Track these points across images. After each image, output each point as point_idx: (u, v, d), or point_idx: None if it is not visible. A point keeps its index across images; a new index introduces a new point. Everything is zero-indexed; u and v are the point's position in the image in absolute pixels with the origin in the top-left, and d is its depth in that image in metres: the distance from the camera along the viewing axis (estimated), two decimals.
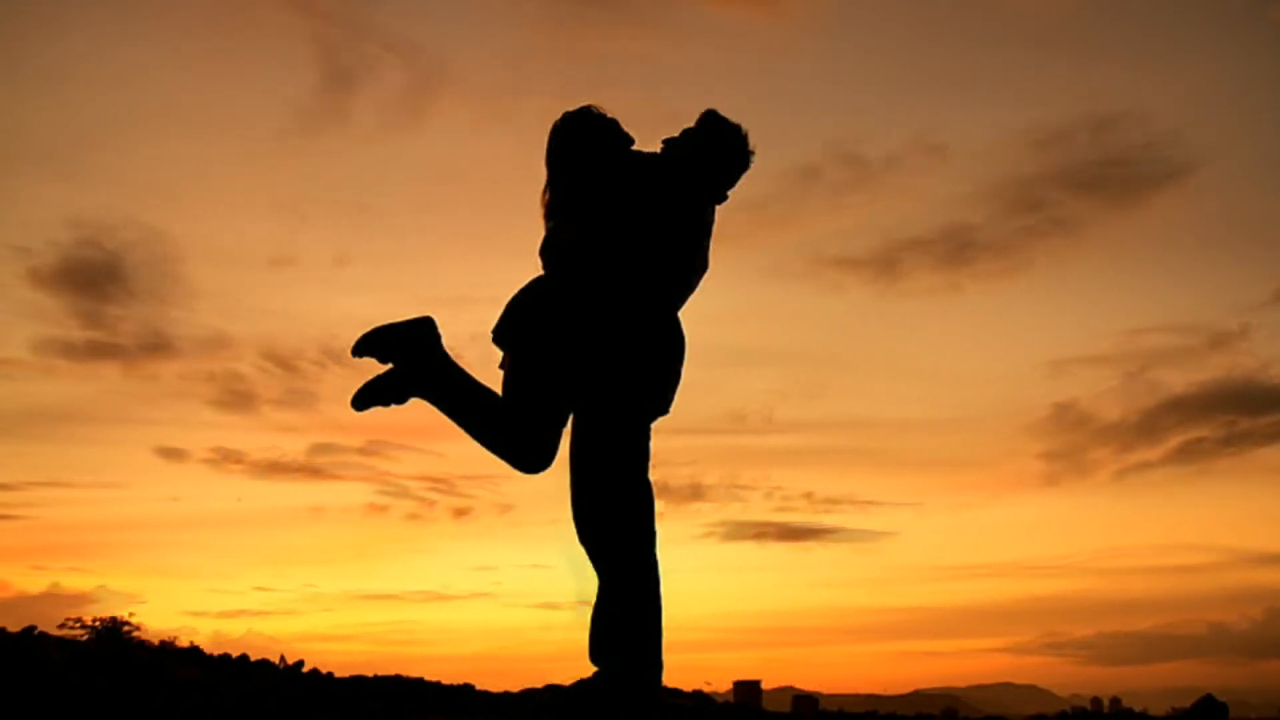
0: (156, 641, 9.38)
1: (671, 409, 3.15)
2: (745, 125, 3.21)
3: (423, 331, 3.00)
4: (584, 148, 3.15)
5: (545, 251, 3.14)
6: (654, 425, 3.10)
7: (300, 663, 9.59)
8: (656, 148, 3.21)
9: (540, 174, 3.25)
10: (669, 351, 3.10)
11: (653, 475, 3.05)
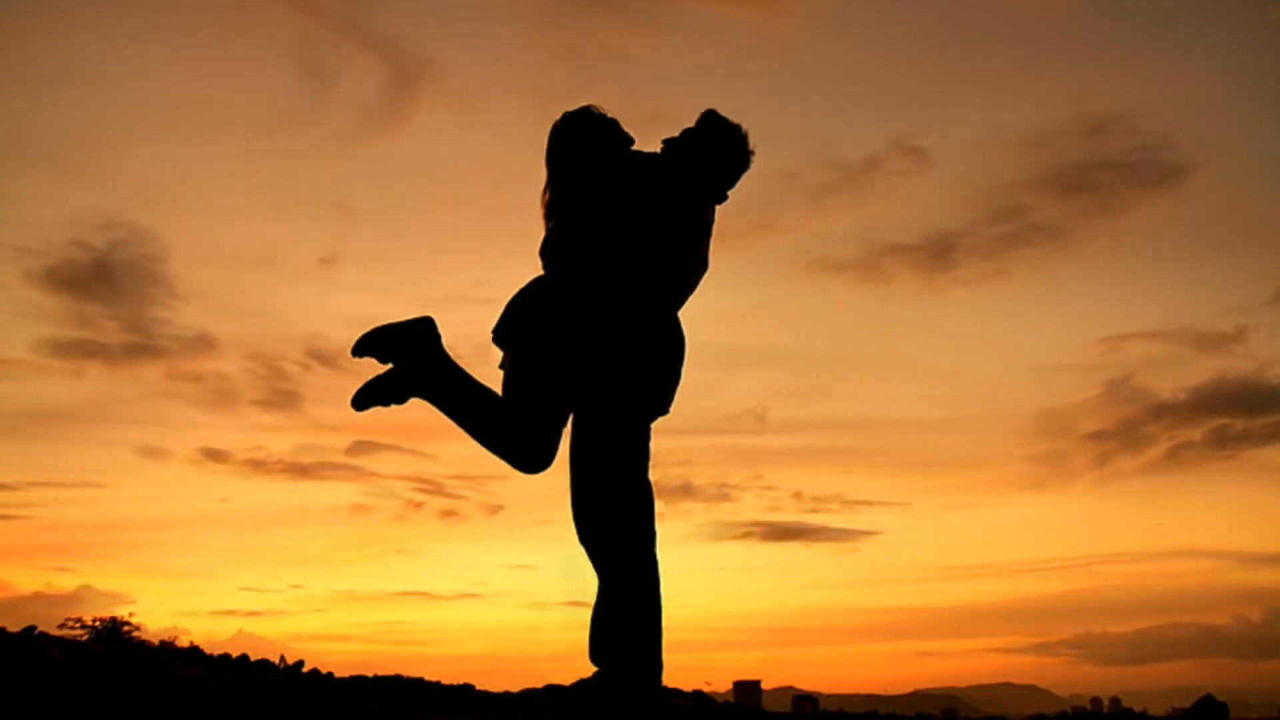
0: (156, 641, 9.38)
1: (671, 409, 3.15)
2: (744, 126, 3.21)
3: (422, 331, 3.00)
4: (584, 148, 3.16)
5: (545, 251, 3.14)
6: (656, 425, 3.11)
7: (300, 663, 9.58)
8: (656, 148, 3.21)
9: (539, 174, 3.25)
10: (669, 351, 3.10)
11: (657, 475, 3.06)
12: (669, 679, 3.01)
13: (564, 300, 3.03)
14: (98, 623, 9.81)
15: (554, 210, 3.18)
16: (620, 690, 2.91)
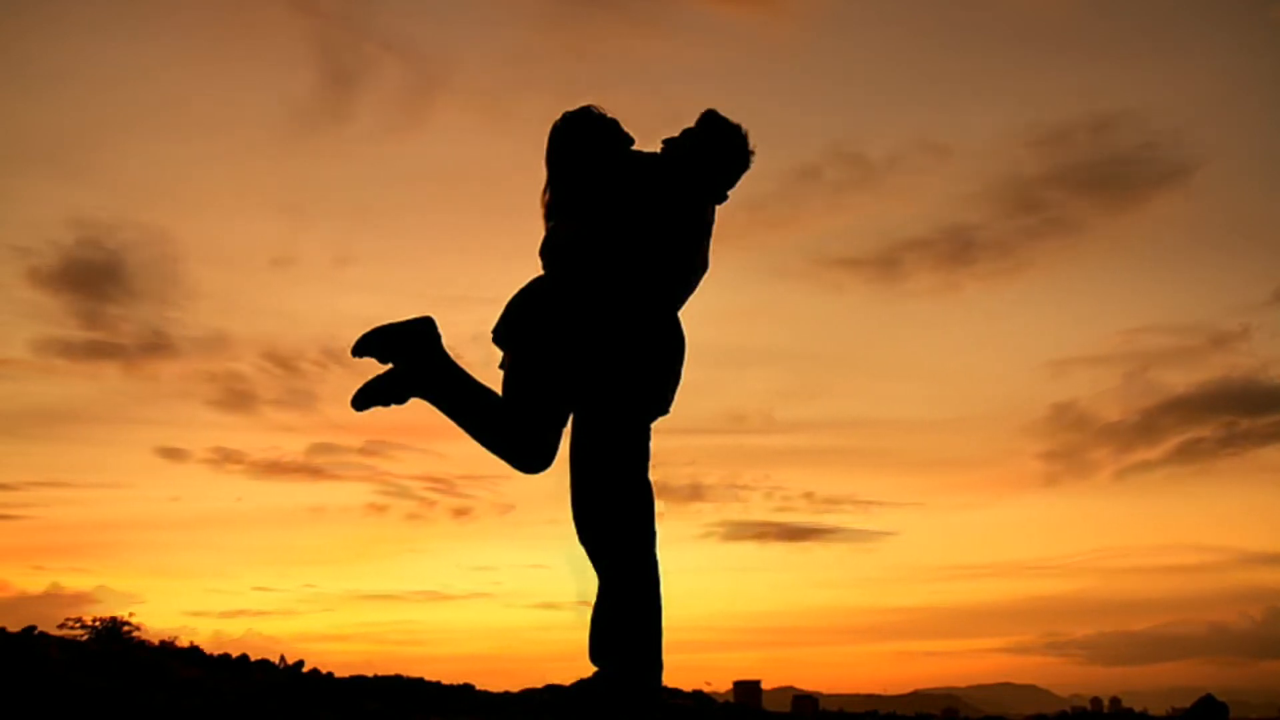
0: (156, 641, 9.37)
1: (671, 409, 3.15)
2: (746, 125, 3.22)
3: (422, 331, 3.00)
4: (584, 148, 3.16)
5: (545, 251, 3.14)
6: (654, 425, 3.11)
7: (300, 663, 9.57)
8: (656, 148, 3.21)
9: (540, 174, 3.25)
10: (669, 351, 3.10)
11: (653, 475, 3.06)
12: (669, 679, 3.02)
13: (564, 300, 3.03)
14: (98, 623, 9.80)
15: (554, 210, 3.18)
16: (620, 690, 2.91)
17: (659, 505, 3.05)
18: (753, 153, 3.21)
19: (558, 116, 3.22)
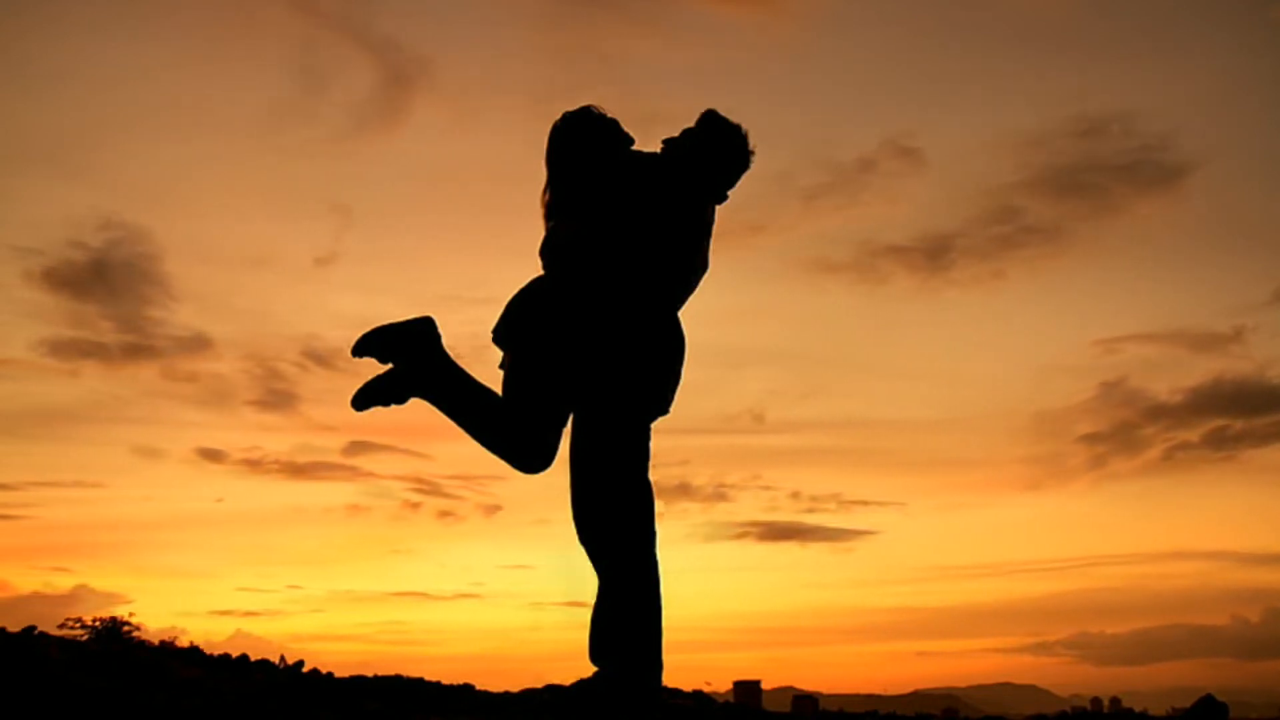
0: (156, 641, 9.38)
1: (672, 409, 3.15)
2: (747, 126, 3.21)
3: (422, 331, 3.00)
4: (584, 148, 3.16)
5: (545, 251, 3.14)
6: (654, 425, 3.11)
7: (300, 663, 9.58)
8: (656, 148, 3.21)
9: (538, 174, 3.25)
10: (669, 351, 3.10)
11: (666, 475, 3.06)
12: (669, 679, 3.02)
13: (564, 300, 3.03)
14: (98, 623, 9.80)
15: (554, 210, 3.18)
16: (620, 690, 2.90)
17: (659, 505, 3.05)
18: (753, 153, 3.21)
19: (558, 116, 3.22)
